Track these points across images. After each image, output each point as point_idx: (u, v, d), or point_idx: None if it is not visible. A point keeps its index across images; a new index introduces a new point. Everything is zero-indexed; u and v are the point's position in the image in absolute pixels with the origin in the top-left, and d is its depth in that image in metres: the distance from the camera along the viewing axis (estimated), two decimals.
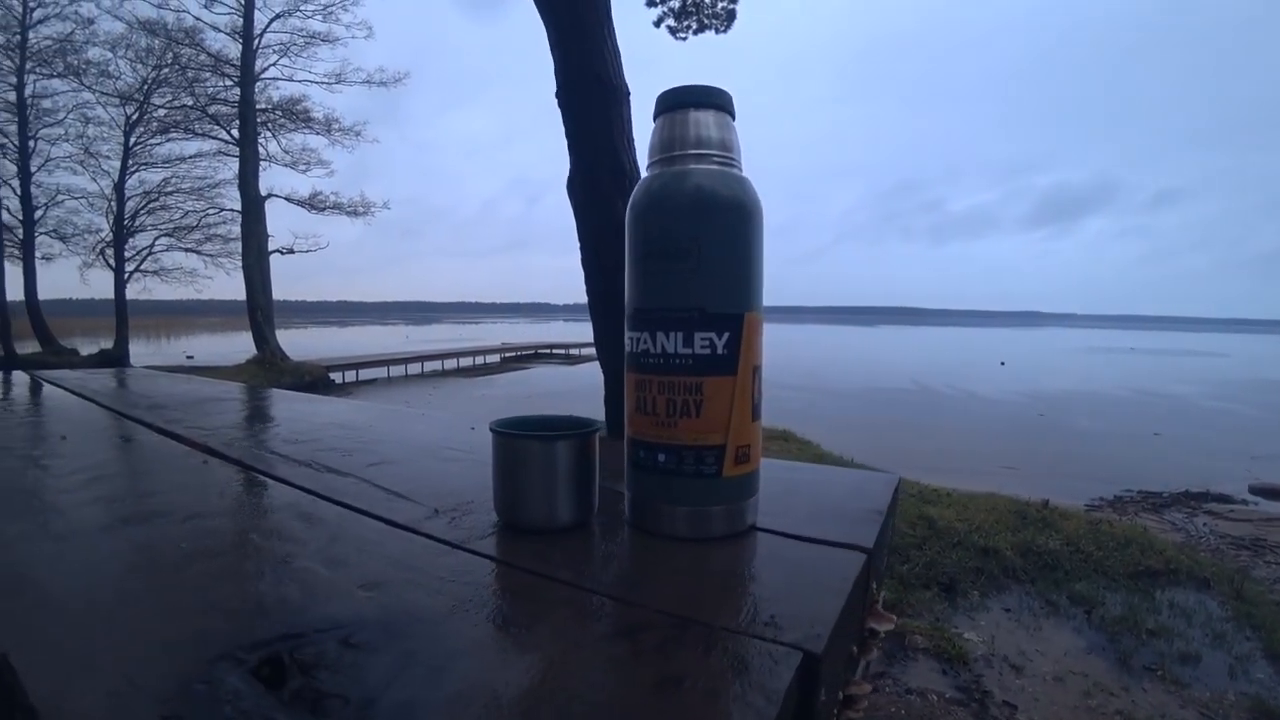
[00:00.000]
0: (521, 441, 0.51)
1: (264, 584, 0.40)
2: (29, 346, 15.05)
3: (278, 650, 0.32)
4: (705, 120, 0.49)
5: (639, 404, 0.50)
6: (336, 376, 13.56)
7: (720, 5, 6.50)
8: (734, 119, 0.51)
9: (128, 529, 0.51)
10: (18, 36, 13.56)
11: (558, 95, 2.55)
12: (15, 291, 15.08)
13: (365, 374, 14.26)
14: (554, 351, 20.37)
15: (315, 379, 12.58)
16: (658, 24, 6.75)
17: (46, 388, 1.47)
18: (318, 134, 15.69)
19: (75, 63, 13.99)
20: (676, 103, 0.50)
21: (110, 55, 14.08)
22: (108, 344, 15.58)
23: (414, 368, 15.48)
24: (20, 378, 1.66)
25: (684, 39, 6.78)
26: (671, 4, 6.55)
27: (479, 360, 17.97)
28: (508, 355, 19.55)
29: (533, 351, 20.42)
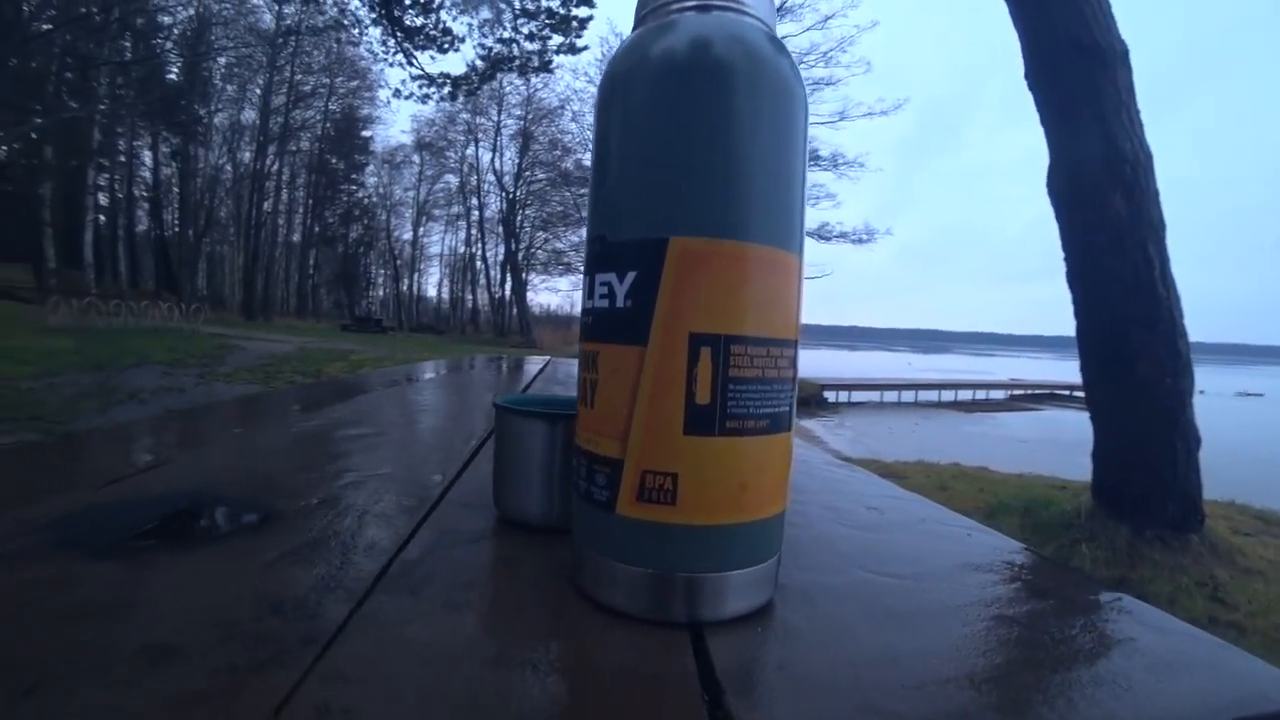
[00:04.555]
0: (522, 420, 0.41)
1: None
2: None
3: None
4: None
5: None
6: (830, 395, 14.22)
7: None
8: None
9: None
10: None
11: (1027, 77, 2.10)
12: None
13: (858, 396, 14.52)
14: (1073, 394, 16.61)
15: (811, 395, 13.48)
16: None
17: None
18: (825, 169, 16.84)
19: None
20: None
21: None
22: None
23: (908, 395, 14.98)
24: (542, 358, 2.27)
25: None
26: None
27: (980, 395, 16.11)
28: (1016, 393, 16.92)
29: (1047, 391, 17.08)
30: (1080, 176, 1.94)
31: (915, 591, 0.34)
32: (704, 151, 0.26)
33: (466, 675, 0.24)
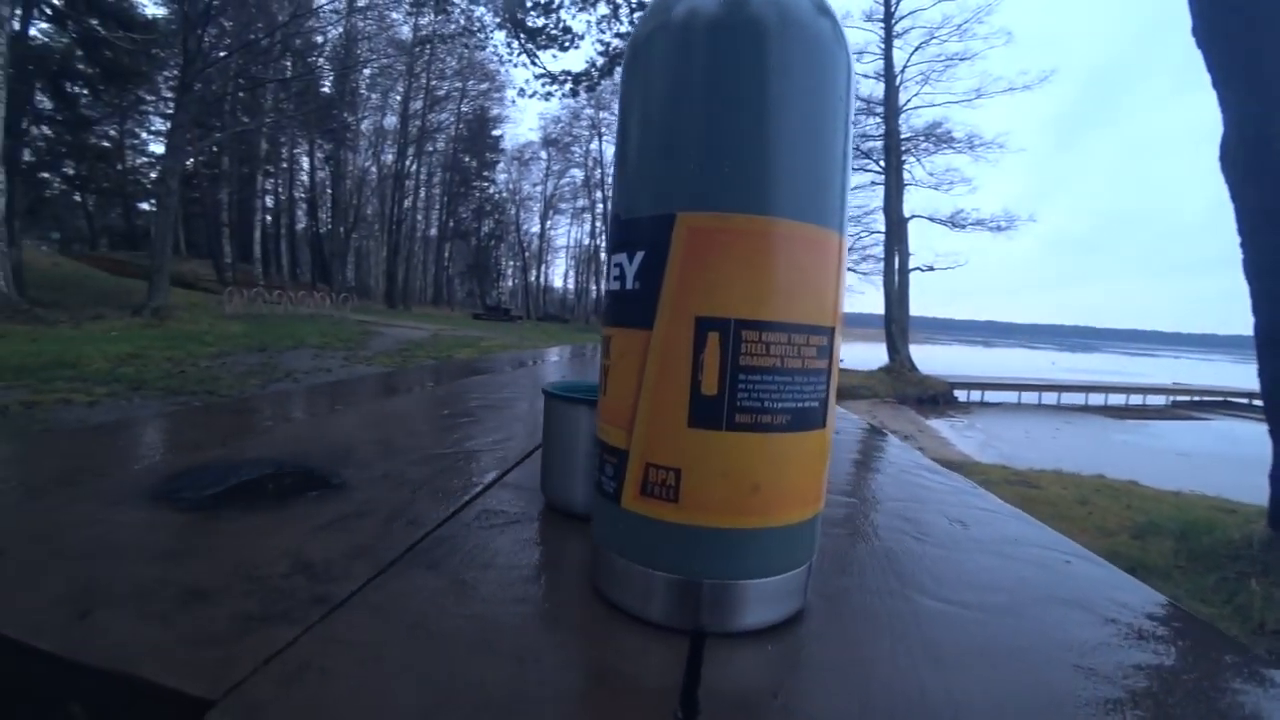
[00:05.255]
0: (566, 405, 0.41)
1: None
2: None
3: None
4: None
5: None
6: (961, 395, 13.29)
7: None
8: None
9: None
10: None
11: (1195, 33, 1.85)
12: None
13: (993, 396, 13.45)
14: (1252, 403, 14.30)
15: (939, 393, 12.66)
16: None
17: None
18: (959, 152, 15.63)
19: None
20: None
21: None
22: None
23: (1050, 397, 13.68)
24: None
25: None
26: None
27: (1135, 400, 14.37)
28: (1179, 399, 14.93)
29: (1219, 399, 14.87)
30: (1261, 146, 1.68)
31: (974, 625, 0.29)
32: (717, 119, 0.24)
33: (442, 654, 0.23)
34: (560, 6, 9.23)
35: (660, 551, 0.26)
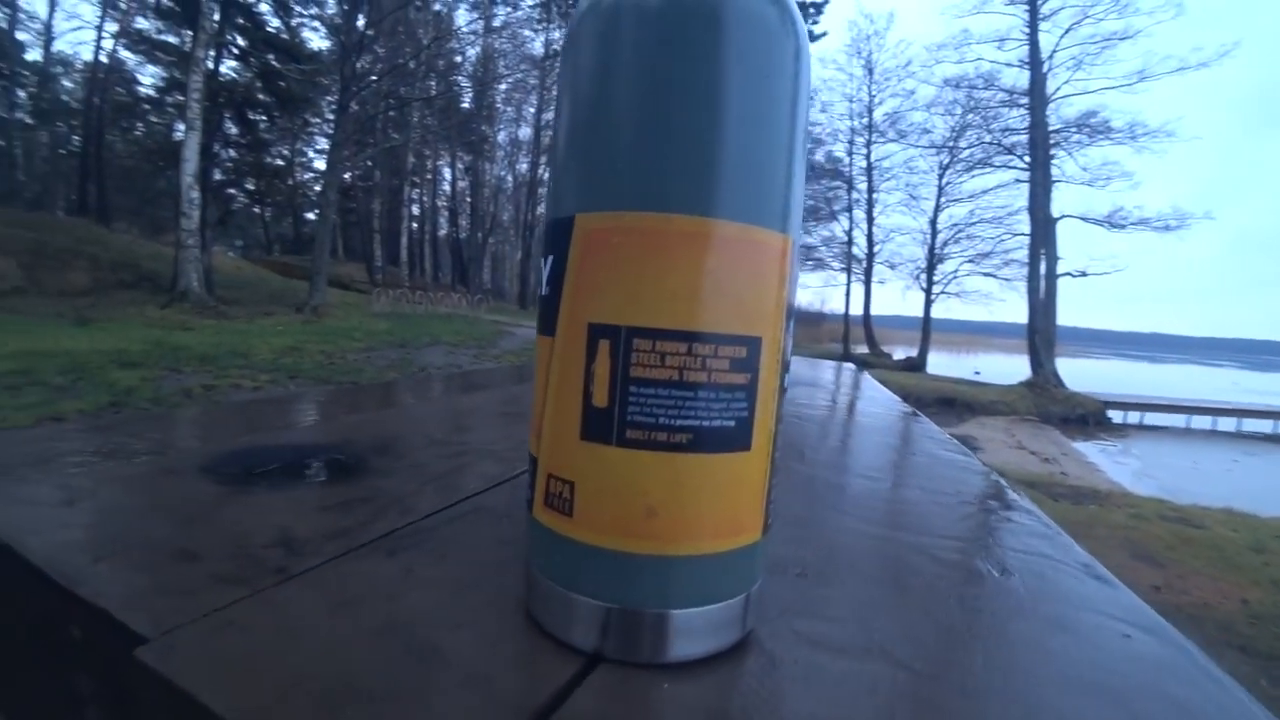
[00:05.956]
0: None
1: None
2: (859, 348, 19.71)
3: None
4: None
5: None
6: (1116, 416, 11.89)
7: None
8: None
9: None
10: (864, 119, 18.16)
11: None
12: (856, 306, 20.10)
13: (1154, 419, 11.92)
14: None
15: (1089, 413, 11.42)
16: None
17: (865, 375, 1.84)
18: (1118, 143, 13.93)
19: (902, 128, 18.11)
20: None
21: (926, 115, 17.13)
22: (914, 352, 18.65)
23: (1227, 422, 11.90)
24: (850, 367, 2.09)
25: None
26: None
27: None
28: None
29: None
30: None
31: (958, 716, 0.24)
32: (608, 112, 0.24)
33: (352, 634, 0.25)
34: None
35: (557, 565, 0.26)
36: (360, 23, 11.06)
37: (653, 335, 0.24)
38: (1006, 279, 16.81)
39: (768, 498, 0.27)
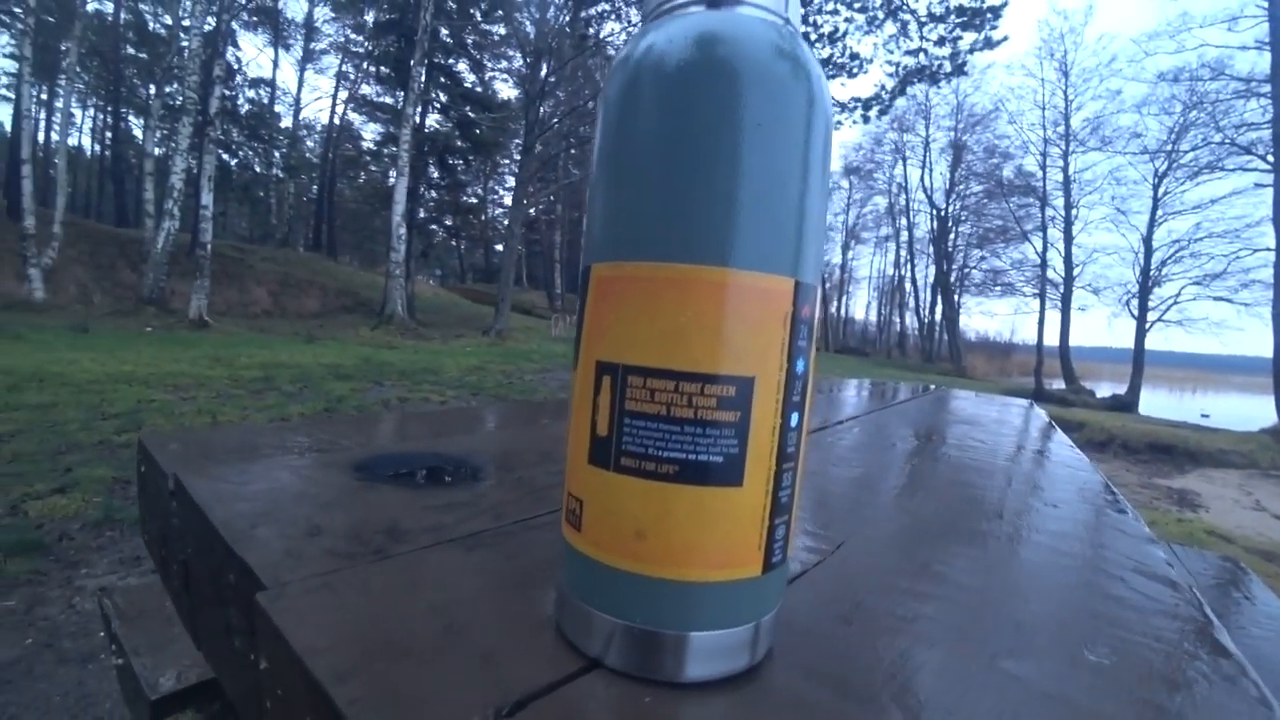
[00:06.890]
0: None
1: None
2: (1056, 383, 17.45)
3: None
4: None
5: None
6: None
7: None
8: None
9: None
10: (1060, 127, 16.18)
11: None
12: (1051, 336, 17.85)
13: None
14: None
15: None
16: None
17: (1054, 428, 1.33)
18: None
19: (1106, 134, 15.77)
20: None
21: (1137, 117, 14.85)
22: (1122, 390, 16.15)
23: None
24: (1037, 411, 1.65)
25: None
26: None
27: None
28: None
29: None
30: None
31: None
32: (617, 164, 0.28)
33: (392, 606, 0.31)
34: (845, 35, 9.10)
35: (571, 576, 0.30)
36: (543, 72, 12.24)
37: (644, 373, 0.26)
38: (1245, 303, 14.07)
39: (769, 535, 0.28)
